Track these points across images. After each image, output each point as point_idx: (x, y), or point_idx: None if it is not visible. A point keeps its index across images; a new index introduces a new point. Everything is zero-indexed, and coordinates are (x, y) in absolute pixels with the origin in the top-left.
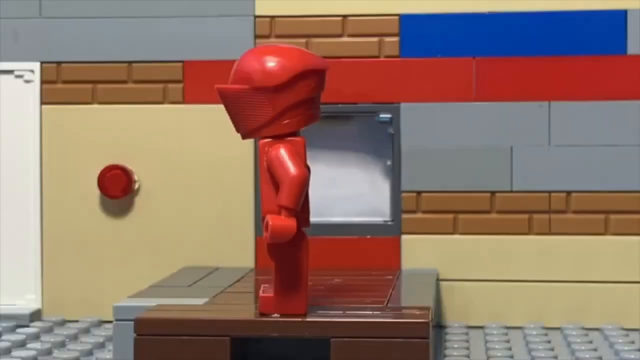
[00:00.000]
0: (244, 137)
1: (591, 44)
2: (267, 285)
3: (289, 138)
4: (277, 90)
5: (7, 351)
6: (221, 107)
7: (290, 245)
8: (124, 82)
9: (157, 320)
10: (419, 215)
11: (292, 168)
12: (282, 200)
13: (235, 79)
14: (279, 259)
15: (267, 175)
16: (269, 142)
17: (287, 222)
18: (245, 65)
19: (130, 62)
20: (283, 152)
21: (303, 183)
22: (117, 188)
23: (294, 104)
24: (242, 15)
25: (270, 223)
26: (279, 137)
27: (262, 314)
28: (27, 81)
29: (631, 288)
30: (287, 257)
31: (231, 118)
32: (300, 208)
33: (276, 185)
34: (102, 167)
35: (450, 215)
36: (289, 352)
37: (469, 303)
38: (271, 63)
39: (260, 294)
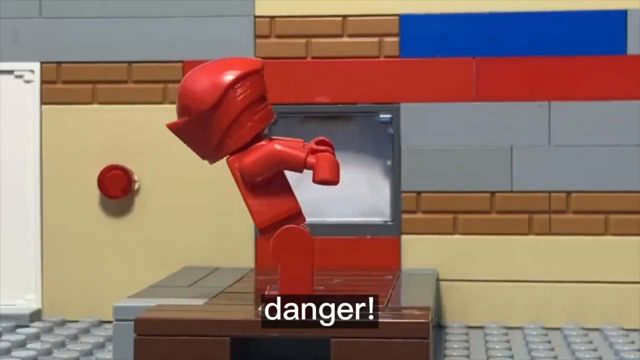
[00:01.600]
0: (211, 159)
1: (591, 44)
2: (275, 285)
3: (255, 145)
4: (215, 108)
5: (7, 351)
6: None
7: (294, 245)
8: (124, 82)
9: (157, 320)
10: (419, 215)
11: (292, 151)
12: (323, 175)
13: (179, 113)
14: (284, 258)
15: (247, 190)
16: (237, 157)
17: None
18: (180, 98)
19: (130, 62)
20: (265, 153)
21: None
22: (117, 188)
23: (241, 111)
24: (242, 15)
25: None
26: (243, 148)
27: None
28: (27, 81)
29: (631, 288)
30: (291, 257)
31: (191, 146)
32: (292, 204)
33: (263, 192)
34: (102, 167)
35: (450, 215)
36: (289, 352)
37: (469, 303)
38: (198, 87)
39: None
